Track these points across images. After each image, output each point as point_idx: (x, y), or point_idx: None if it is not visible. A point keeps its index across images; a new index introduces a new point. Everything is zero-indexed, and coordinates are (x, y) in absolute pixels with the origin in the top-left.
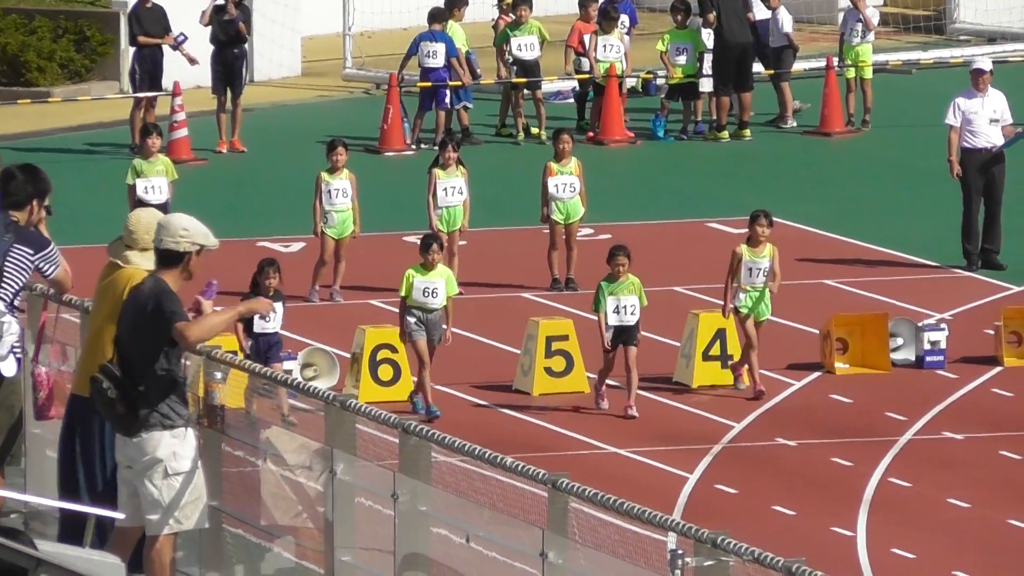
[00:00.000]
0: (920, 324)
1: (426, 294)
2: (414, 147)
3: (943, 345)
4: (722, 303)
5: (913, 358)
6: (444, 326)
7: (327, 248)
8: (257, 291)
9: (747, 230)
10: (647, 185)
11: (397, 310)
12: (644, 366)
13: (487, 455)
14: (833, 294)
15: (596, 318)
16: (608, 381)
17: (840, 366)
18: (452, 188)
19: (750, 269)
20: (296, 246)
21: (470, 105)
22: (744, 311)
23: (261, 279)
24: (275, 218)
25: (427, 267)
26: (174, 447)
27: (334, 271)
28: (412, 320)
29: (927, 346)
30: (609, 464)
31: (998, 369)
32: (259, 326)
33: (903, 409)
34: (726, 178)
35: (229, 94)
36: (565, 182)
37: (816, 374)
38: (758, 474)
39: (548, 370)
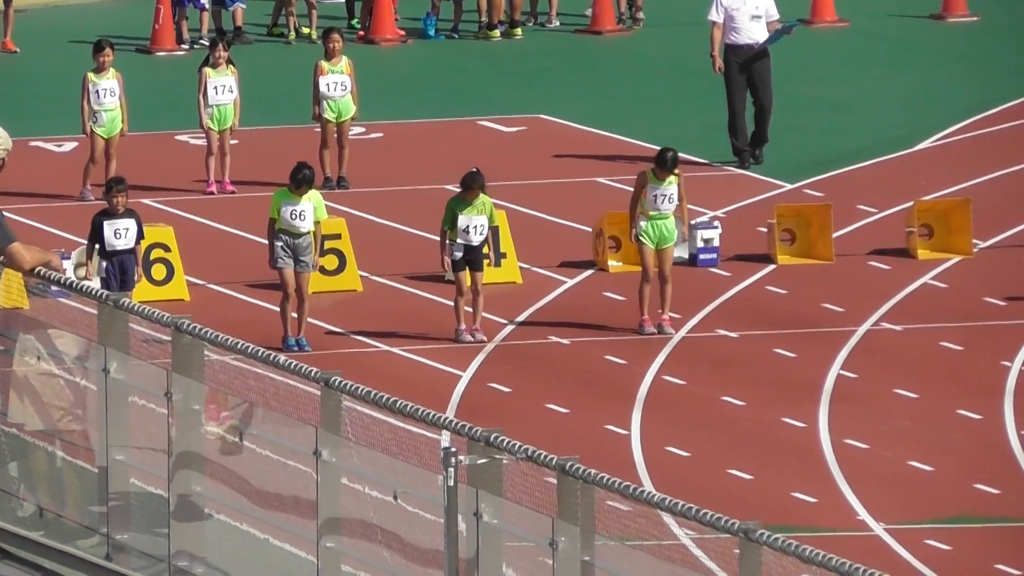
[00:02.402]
0: (693, 221)
1: (294, 216)
2: (185, 47)
3: (716, 243)
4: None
5: (687, 256)
6: (311, 253)
7: (97, 147)
8: (106, 210)
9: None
10: (418, 84)
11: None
12: (413, 263)
13: (260, 353)
14: (605, 192)
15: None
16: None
17: (613, 264)
18: (223, 87)
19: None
20: (68, 146)
21: (243, 5)
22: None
23: (109, 198)
24: (47, 118)
25: (296, 191)
26: None
27: (105, 170)
28: (279, 245)
29: (700, 244)
30: (382, 363)
31: (771, 267)
32: (111, 244)
33: (677, 307)
34: (497, 77)
35: None
36: (336, 81)
37: (589, 272)
38: (531, 372)
39: (321, 269)
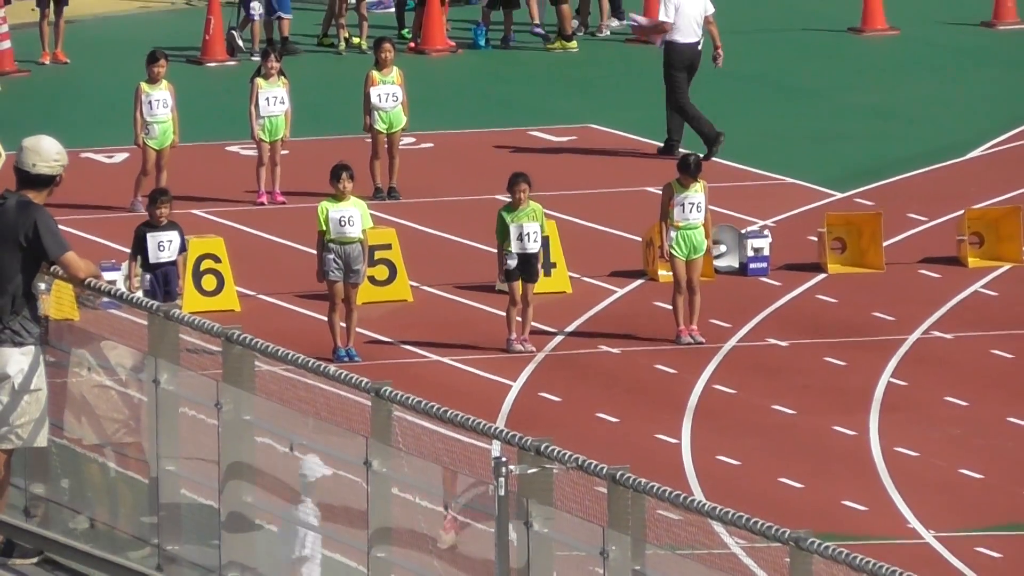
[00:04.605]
0: (743, 231)
1: (343, 223)
2: (248, 49)
3: (766, 252)
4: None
5: (737, 265)
6: (362, 263)
7: (149, 159)
8: (149, 222)
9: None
10: (469, 94)
11: (315, 249)
12: (463, 273)
13: (310, 364)
14: (655, 201)
15: (495, 249)
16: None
17: (663, 273)
18: (274, 98)
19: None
20: (119, 157)
21: (287, 16)
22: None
23: (152, 210)
24: (98, 129)
25: (339, 197)
26: (23, 364)
27: (156, 181)
28: (331, 256)
29: (750, 253)
30: (432, 372)
31: (822, 276)
32: (155, 256)
33: (727, 316)
34: (547, 86)
35: (52, 6)
36: (387, 91)
37: (639, 281)
38: (582, 382)
39: (371, 279)
